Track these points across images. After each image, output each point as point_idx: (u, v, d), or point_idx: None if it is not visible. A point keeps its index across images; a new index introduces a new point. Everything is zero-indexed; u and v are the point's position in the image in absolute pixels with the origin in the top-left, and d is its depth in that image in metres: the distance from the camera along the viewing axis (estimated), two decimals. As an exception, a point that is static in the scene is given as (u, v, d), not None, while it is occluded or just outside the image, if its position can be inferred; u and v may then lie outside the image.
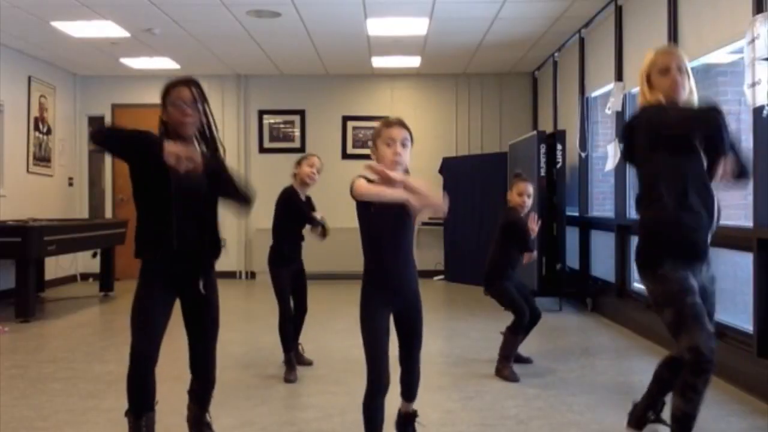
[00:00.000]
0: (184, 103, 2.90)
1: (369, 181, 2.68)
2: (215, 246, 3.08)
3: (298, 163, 4.74)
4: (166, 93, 2.96)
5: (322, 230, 4.67)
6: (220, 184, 2.97)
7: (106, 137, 2.95)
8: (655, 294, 2.89)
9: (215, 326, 3.08)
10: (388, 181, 2.58)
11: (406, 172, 2.78)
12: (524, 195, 4.78)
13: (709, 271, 2.94)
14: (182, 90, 2.92)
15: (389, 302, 2.77)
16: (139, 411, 2.90)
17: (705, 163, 2.85)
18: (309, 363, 4.89)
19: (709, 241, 2.88)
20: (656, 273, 2.86)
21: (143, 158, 2.82)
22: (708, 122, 2.72)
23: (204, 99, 2.98)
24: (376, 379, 2.72)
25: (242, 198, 3.04)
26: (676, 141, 2.80)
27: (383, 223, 2.74)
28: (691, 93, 2.91)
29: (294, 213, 4.67)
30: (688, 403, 2.76)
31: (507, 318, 4.81)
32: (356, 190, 2.66)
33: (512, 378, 4.52)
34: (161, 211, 2.89)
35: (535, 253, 4.87)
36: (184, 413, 3.18)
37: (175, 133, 2.91)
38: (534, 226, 4.77)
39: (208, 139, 3.02)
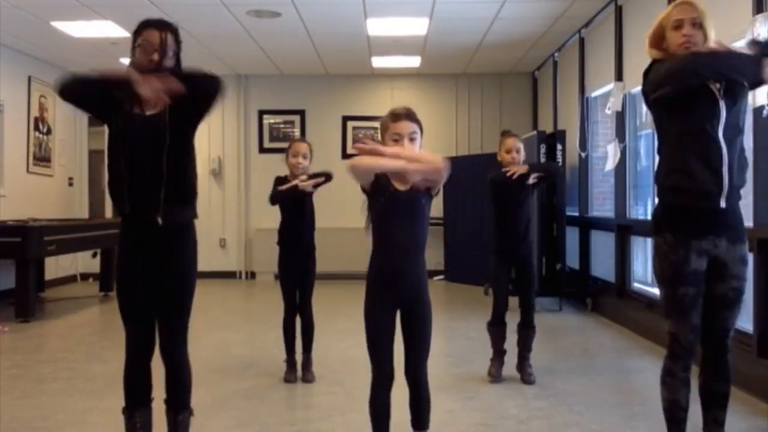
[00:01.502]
0: (151, 46, 2.69)
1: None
2: (182, 197, 2.82)
3: (287, 153, 4.59)
4: (137, 33, 2.74)
5: (321, 178, 4.42)
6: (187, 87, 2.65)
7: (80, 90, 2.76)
8: (655, 267, 2.85)
9: (181, 302, 2.83)
10: (379, 154, 2.48)
11: None
12: (513, 151, 4.49)
13: (736, 249, 2.76)
14: (152, 32, 2.72)
15: (394, 297, 2.69)
16: (133, 406, 2.87)
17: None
18: (309, 379, 4.60)
19: (730, 209, 2.70)
20: (659, 245, 2.79)
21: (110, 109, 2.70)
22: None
23: (178, 46, 2.77)
24: (379, 369, 2.68)
25: (207, 81, 2.72)
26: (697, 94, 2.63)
27: (393, 216, 2.66)
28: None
29: (281, 200, 4.53)
30: (669, 390, 2.78)
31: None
32: (350, 167, 2.52)
33: (493, 374, 4.49)
34: (120, 164, 2.75)
35: (516, 168, 4.41)
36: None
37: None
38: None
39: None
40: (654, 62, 2.80)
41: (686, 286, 2.71)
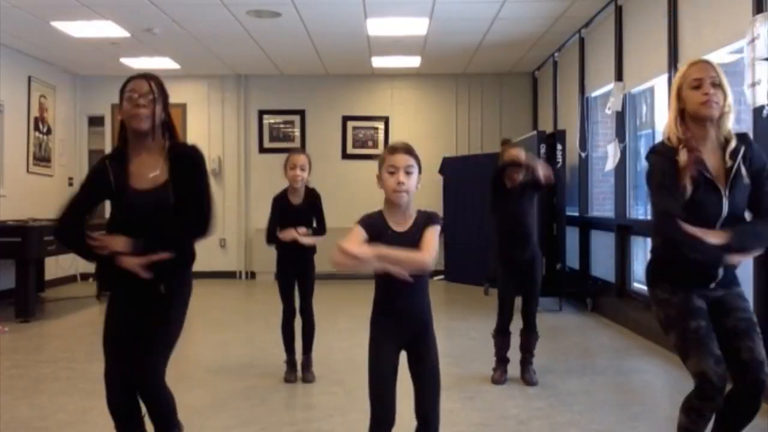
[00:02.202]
0: (137, 94, 2.77)
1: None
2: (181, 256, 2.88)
3: (284, 166, 4.58)
4: (123, 88, 2.84)
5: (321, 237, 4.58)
6: (183, 201, 2.80)
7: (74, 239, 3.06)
8: (659, 319, 2.79)
9: (165, 336, 2.89)
10: (358, 260, 2.48)
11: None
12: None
13: (732, 290, 2.75)
14: (138, 82, 2.80)
15: (398, 334, 2.68)
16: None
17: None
18: (309, 379, 4.63)
19: (729, 268, 2.72)
20: (656, 295, 2.75)
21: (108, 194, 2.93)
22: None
23: (163, 95, 2.84)
24: (380, 416, 2.65)
25: (193, 228, 2.87)
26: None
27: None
28: (727, 113, 2.65)
29: (282, 219, 4.58)
30: (691, 423, 2.67)
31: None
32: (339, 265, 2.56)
33: (496, 381, 4.48)
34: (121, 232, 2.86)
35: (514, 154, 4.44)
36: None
37: (131, 131, 2.81)
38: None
39: (171, 139, 2.88)
40: (661, 153, 2.69)
41: (697, 319, 2.63)
